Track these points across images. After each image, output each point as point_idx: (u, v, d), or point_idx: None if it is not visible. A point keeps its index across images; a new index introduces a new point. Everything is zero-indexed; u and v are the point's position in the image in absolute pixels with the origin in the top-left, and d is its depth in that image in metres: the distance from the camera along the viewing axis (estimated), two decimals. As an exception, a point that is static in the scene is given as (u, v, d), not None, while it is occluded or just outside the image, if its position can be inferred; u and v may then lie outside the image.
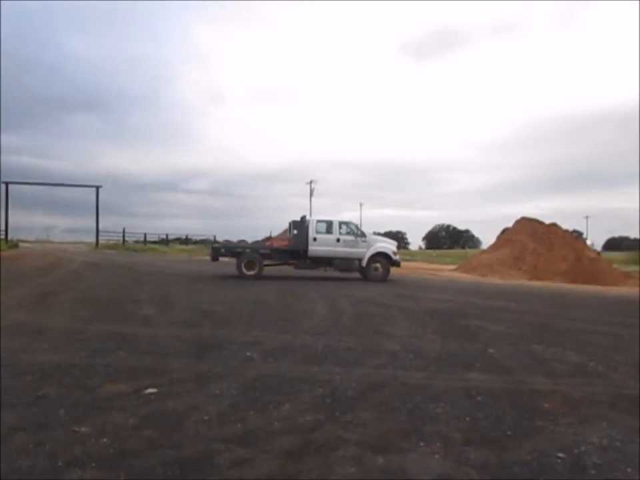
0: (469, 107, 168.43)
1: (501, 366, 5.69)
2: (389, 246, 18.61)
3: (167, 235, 55.31)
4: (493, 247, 29.65)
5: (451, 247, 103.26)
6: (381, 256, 18.08)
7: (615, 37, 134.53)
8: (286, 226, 39.27)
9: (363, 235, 18.27)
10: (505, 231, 32.60)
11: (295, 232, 18.37)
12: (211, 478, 2.79)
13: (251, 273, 17.50)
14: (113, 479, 2.74)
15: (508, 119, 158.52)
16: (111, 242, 45.23)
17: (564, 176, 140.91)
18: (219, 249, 19.04)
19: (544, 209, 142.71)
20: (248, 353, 5.80)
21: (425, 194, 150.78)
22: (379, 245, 18.30)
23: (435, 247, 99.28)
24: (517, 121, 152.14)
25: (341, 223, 18.30)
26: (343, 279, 18.15)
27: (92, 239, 43.56)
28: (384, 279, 17.89)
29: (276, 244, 20.42)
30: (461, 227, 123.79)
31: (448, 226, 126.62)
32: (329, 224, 18.26)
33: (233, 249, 19.04)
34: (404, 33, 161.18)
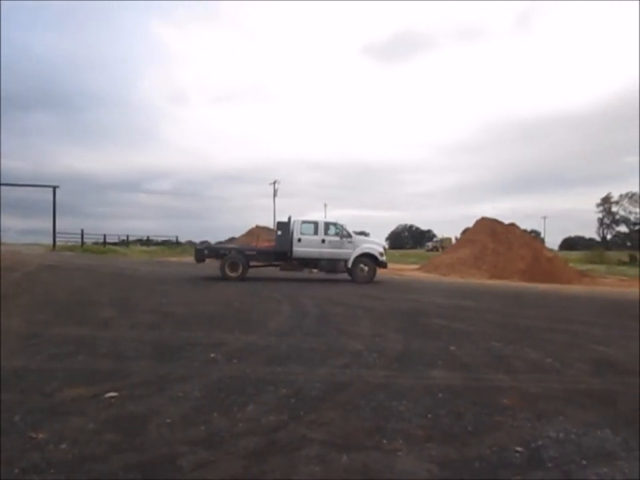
0: (431, 109, 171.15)
1: (462, 363, 5.80)
2: (376, 247, 18.28)
3: (127, 236, 54.24)
4: (454, 247, 30.20)
5: (413, 247, 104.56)
6: (367, 257, 17.85)
7: (570, 42, 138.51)
8: (250, 227, 39.32)
9: (349, 235, 17.98)
10: (465, 231, 33.22)
11: (280, 233, 18.09)
12: (173, 481, 2.76)
13: (234, 274, 17.19)
14: (72, 485, 2.68)
15: (469, 121, 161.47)
16: (69, 244, 44.09)
17: (522, 177, 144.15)
18: (202, 250, 18.59)
19: (503, 210, 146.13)
20: (212, 355, 5.75)
21: (388, 194, 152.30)
22: (365, 245, 18.03)
23: (398, 246, 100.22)
24: (477, 123, 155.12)
25: (326, 224, 18.09)
26: (323, 280, 18.18)
27: (49, 241, 42.35)
28: (370, 280, 17.65)
29: (261, 245, 19.98)
30: (424, 227, 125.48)
31: (411, 226, 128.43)
32: (315, 225, 18.01)
33: (217, 250, 18.60)
34: (367, 35, 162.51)
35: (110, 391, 4.28)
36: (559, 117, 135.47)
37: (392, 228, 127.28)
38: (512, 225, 27.88)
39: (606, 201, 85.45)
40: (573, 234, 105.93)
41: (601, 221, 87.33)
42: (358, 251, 17.78)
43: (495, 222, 28.08)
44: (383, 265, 18.16)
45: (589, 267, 35.17)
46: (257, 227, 37.62)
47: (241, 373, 5.03)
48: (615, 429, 3.80)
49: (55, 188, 41.22)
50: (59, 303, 10.11)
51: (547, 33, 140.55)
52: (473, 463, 3.11)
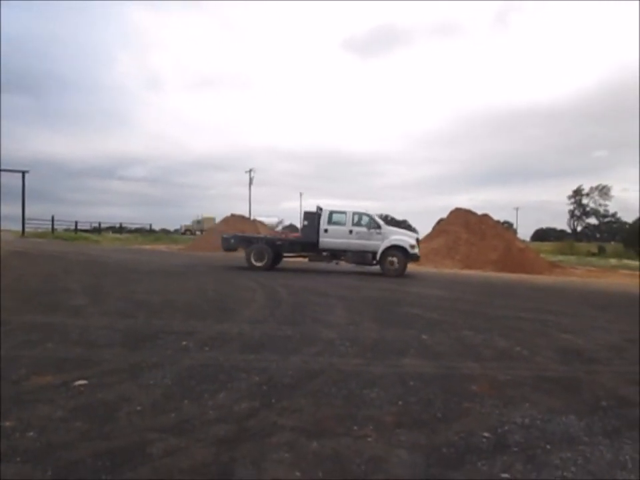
0: (407, 101, 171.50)
1: (433, 352, 5.88)
2: (406, 239, 17.17)
3: (99, 224, 53.48)
4: (429, 237, 30.49)
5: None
6: (397, 249, 16.84)
7: (544, 39, 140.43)
8: (225, 215, 38.98)
9: (378, 226, 17.18)
10: (440, 221, 33.52)
11: (306, 223, 17.63)
12: (142, 468, 2.75)
13: (260, 264, 16.95)
14: (39, 472, 2.65)
15: (445, 114, 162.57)
16: (39, 230, 43.29)
17: (496, 169, 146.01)
18: (229, 239, 18.20)
19: (477, 201, 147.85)
20: (184, 343, 5.72)
21: (364, 185, 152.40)
22: (394, 237, 17.05)
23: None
24: (453, 116, 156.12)
25: (355, 214, 17.29)
26: (312, 270, 18.14)
27: (18, 227, 41.48)
28: (400, 274, 16.70)
29: (289, 235, 19.64)
30: (399, 218, 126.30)
31: (386, 216, 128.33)
32: (342, 215, 17.37)
33: (243, 239, 18.34)
34: (347, 29, 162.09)
35: (79, 379, 4.23)
36: (532, 111, 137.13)
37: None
38: (485, 215, 28.22)
39: (577, 193, 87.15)
40: (545, 225, 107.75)
41: (571, 213, 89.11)
42: (386, 243, 16.88)
43: (468, 213, 28.40)
44: (415, 257, 17.23)
45: (560, 257, 35.93)
46: (232, 216, 37.26)
47: (213, 360, 5.02)
48: (579, 414, 3.90)
49: (24, 173, 40.44)
50: (28, 290, 9.93)
51: (521, 30, 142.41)
52: (441, 448, 3.17)
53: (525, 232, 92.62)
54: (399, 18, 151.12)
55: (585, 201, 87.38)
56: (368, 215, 17.41)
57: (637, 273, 24.87)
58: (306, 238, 17.52)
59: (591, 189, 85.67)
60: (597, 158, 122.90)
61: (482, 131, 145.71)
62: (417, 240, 17.64)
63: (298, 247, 17.79)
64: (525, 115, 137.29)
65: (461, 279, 18.24)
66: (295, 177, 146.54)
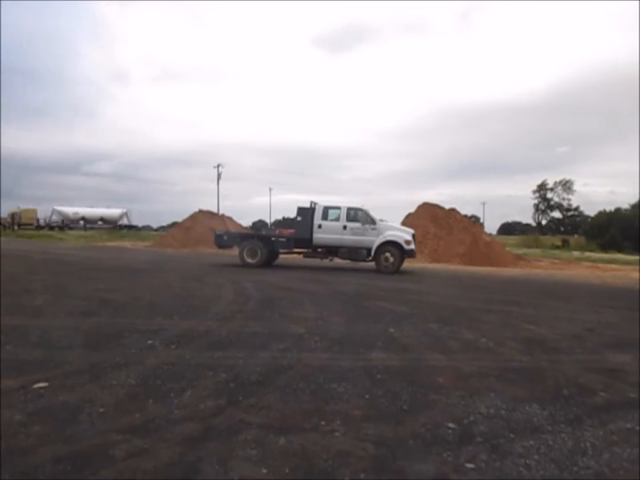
0: (376, 96, 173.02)
1: (401, 345, 5.93)
2: (401, 234, 16.90)
3: (62, 220, 52.23)
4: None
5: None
6: (392, 245, 16.50)
7: (508, 36, 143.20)
8: (193, 210, 38.52)
9: (373, 222, 16.79)
10: (408, 216, 33.79)
11: (299, 219, 17.24)
12: (104, 471, 2.69)
13: (253, 261, 16.74)
14: (-5, 479, 2.57)
15: (412, 109, 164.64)
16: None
17: (464, 164, 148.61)
18: (221, 236, 17.95)
19: (445, 196, 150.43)
20: (149, 341, 5.63)
21: (334, 180, 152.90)
22: (389, 233, 16.70)
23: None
24: (421, 112, 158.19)
25: (349, 210, 16.98)
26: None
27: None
28: (395, 270, 16.36)
29: (281, 231, 19.17)
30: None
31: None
32: (336, 210, 17.08)
33: (236, 236, 18.10)
34: (315, 25, 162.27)
35: (40, 381, 4.11)
36: (498, 107, 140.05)
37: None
38: (452, 210, 28.56)
39: (541, 187, 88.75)
40: (511, 219, 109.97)
41: (536, 207, 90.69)
42: (381, 239, 16.54)
43: (436, 207, 28.70)
44: (410, 253, 16.84)
45: (525, 250, 36.65)
46: (200, 212, 36.83)
47: (179, 358, 4.95)
48: (542, 403, 3.98)
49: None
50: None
51: (487, 28, 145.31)
52: (407, 440, 3.19)
53: (491, 226, 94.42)
54: (367, 16, 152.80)
55: (549, 195, 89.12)
56: (362, 211, 17.04)
57: (599, 264, 25.57)
58: (299, 234, 17.17)
59: (555, 183, 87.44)
60: (560, 153, 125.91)
61: (449, 127, 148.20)
62: (413, 236, 17.37)
63: (291, 244, 17.45)
64: (491, 111, 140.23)
65: (428, 272, 18.39)
66: (265, 172, 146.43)
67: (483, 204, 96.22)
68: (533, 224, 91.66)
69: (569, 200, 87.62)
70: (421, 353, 5.60)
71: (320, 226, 16.91)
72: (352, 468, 2.79)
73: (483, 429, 3.42)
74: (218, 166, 67.88)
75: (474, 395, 4.13)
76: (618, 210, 57.60)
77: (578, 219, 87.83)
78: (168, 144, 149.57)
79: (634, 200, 56.37)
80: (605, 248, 47.39)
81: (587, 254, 36.97)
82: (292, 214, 17.85)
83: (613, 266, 24.78)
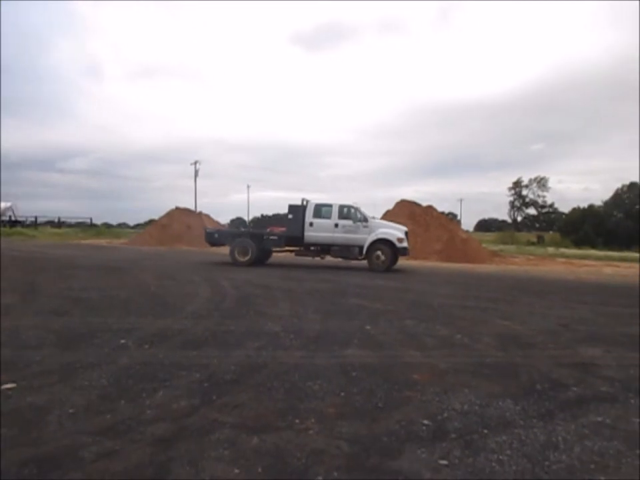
0: (354, 94, 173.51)
1: (376, 342, 5.93)
2: (394, 232, 16.67)
3: (35, 218, 51.28)
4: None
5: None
6: (383, 243, 16.36)
7: (485, 37, 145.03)
8: (170, 208, 38.12)
9: (365, 219, 16.67)
10: (386, 213, 33.93)
11: (290, 216, 16.99)
12: (73, 473, 2.62)
13: (244, 259, 16.51)
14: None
15: (391, 107, 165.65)
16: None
17: (441, 162, 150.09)
18: (212, 234, 17.75)
19: (423, 193, 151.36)
20: (122, 341, 5.54)
21: (312, 176, 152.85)
22: (381, 230, 16.55)
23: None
24: (399, 110, 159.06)
25: (341, 207, 16.81)
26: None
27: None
28: (387, 268, 16.24)
29: (273, 229, 18.91)
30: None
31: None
32: (328, 208, 16.87)
33: (227, 234, 17.86)
34: (294, 23, 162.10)
35: (7, 383, 4.01)
36: (474, 106, 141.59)
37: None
38: (429, 207, 28.77)
39: (517, 185, 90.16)
40: (487, 216, 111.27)
41: (512, 204, 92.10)
42: (373, 237, 16.40)
43: (413, 204, 28.86)
44: (402, 251, 16.66)
45: (501, 247, 37.16)
46: (177, 209, 36.47)
47: (152, 358, 4.87)
48: (515, 399, 4.01)
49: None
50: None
51: (464, 28, 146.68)
52: (381, 437, 3.19)
53: (468, 222, 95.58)
54: (346, 14, 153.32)
55: (524, 192, 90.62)
56: (354, 208, 16.87)
57: (573, 260, 26.02)
58: (290, 232, 16.96)
59: (530, 180, 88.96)
60: (535, 151, 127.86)
61: (427, 125, 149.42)
62: (406, 233, 17.14)
63: (282, 242, 17.22)
64: (468, 109, 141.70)
65: (405, 269, 18.48)
66: (243, 169, 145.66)
67: (460, 201, 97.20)
68: (509, 221, 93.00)
69: (544, 197, 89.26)
70: (397, 349, 5.61)
71: (311, 224, 16.74)
72: (325, 466, 2.78)
73: (456, 425, 3.44)
74: (195, 163, 67.30)
75: (448, 391, 4.15)
76: (591, 207, 58.65)
77: (553, 216, 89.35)
78: (144, 140, 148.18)
79: (607, 197, 57.36)
80: (578, 244, 48.34)
81: (562, 250, 37.69)
82: (270, 211, 17.97)
83: (587, 262, 25.27)
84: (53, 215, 59.70)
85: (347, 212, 16.77)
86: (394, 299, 9.79)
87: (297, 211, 16.98)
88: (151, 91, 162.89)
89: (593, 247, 45.14)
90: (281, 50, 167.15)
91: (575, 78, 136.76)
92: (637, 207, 54.51)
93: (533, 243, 52.57)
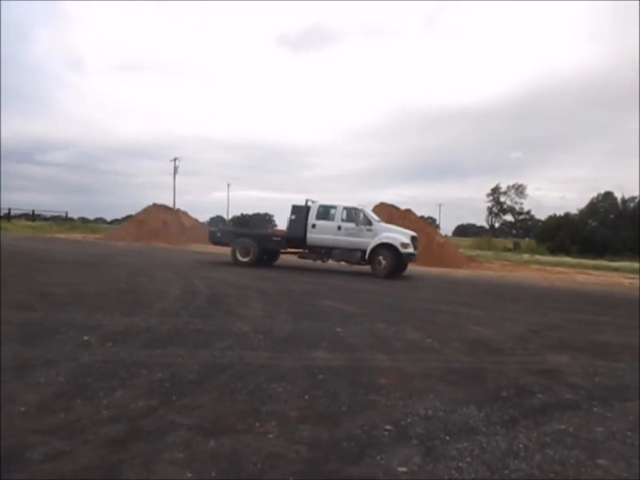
0: (339, 96, 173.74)
1: (346, 344, 5.88)
2: (398, 236, 15.51)
3: (9, 210, 50.31)
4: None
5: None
6: (387, 248, 15.24)
7: (468, 43, 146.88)
8: (148, 204, 37.66)
9: (369, 222, 15.68)
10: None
11: (293, 217, 16.35)
12: (18, 475, 2.52)
13: (245, 259, 16.16)
14: None
15: (375, 109, 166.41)
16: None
17: (422, 166, 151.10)
18: (215, 233, 17.38)
19: (403, 196, 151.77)
20: (85, 337, 5.40)
21: (295, 176, 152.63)
22: (384, 234, 15.45)
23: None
24: (383, 112, 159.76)
25: (345, 209, 15.96)
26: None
27: None
28: (388, 275, 15.13)
29: (275, 230, 18.35)
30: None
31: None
32: (332, 209, 16.10)
33: (229, 233, 17.38)
34: (280, 23, 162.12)
35: (-42, 378, 3.87)
36: (456, 111, 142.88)
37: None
38: (408, 210, 28.86)
39: (495, 191, 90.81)
40: (465, 221, 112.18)
41: (490, 210, 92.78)
42: (376, 241, 15.33)
43: (392, 207, 28.91)
44: (407, 257, 15.56)
45: (478, 252, 37.42)
46: (154, 205, 36.03)
47: (115, 356, 4.75)
48: (480, 405, 3.99)
49: None
50: None
51: (449, 34, 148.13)
52: (342, 442, 3.13)
53: (447, 227, 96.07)
54: (332, 18, 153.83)
55: (502, 198, 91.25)
56: (358, 210, 15.95)
57: (547, 267, 26.35)
58: (292, 233, 16.33)
59: (508, 187, 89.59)
60: (514, 158, 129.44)
61: (410, 128, 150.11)
62: (413, 238, 15.88)
63: (283, 243, 16.63)
64: (449, 115, 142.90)
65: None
66: (225, 167, 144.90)
67: (439, 205, 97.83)
68: (487, 226, 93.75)
69: (521, 204, 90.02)
70: (366, 352, 5.57)
71: (314, 225, 16.05)
72: (281, 471, 2.71)
73: (419, 430, 3.39)
74: (174, 159, 66.64)
75: (414, 396, 4.11)
76: (567, 215, 59.49)
77: (529, 223, 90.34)
78: (126, 135, 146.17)
79: (583, 205, 58.29)
80: (553, 251, 48.96)
81: (537, 257, 38.09)
82: (251, 210, 17.66)
83: (560, 269, 25.59)
84: (28, 208, 58.69)
85: (350, 214, 15.92)
86: (368, 301, 9.77)
87: (300, 211, 16.33)
88: (134, 86, 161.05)
89: (568, 254, 45.75)
90: (267, 50, 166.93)
91: (553, 87, 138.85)
92: (612, 216, 55.38)
93: (509, 249, 53.06)
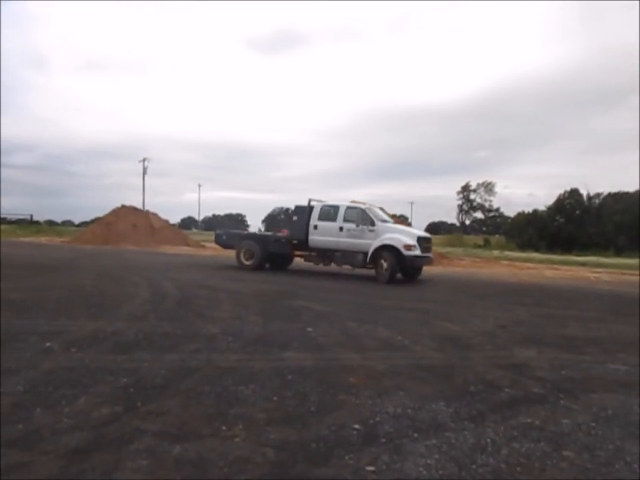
0: (308, 96, 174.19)
1: (316, 344, 5.85)
2: (401, 237, 14.02)
3: (-32, 214, 48.97)
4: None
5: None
6: (388, 250, 13.88)
7: (436, 45, 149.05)
8: (117, 205, 37.01)
9: (371, 223, 14.36)
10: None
11: (295, 218, 15.66)
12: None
13: (249, 263, 15.75)
14: None
15: (344, 109, 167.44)
16: None
17: (393, 164, 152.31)
18: (221, 235, 17.01)
19: (375, 195, 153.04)
20: (48, 344, 5.25)
21: (265, 176, 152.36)
22: (387, 236, 14.07)
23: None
24: (351, 112, 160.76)
25: (348, 209, 14.91)
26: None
27: None
28: (390, 280, 13.76)
29: (279, 232, 17.52)
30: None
31: (287, 209, 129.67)
32: (334, 209, 15.08)
33: (234, 236, 16.95)
34: (250, 25, 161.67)
35: None
36: (426, 111, 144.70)
37: (268, 211, 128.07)
38: (379, 208, 28.99)
39: (465, 189, 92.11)
40: (437, 219, 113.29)
41: (460, 208, 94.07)
42: (377, 243, 14.03)
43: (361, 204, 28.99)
44: (412, 260, 13.98)
45: (449, 249, 37.89)
46: (123, 207, 35.44)
47: (78, 362, 4.63)
48: (448, 401, 4.01)
49: None
50: None
51: (416, 38, 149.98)
52: (310, 444, 3.09)
53: (419, 225, 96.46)
54: (301, 20, 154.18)
55: (472, 196, 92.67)
56: (361, 209, 14.83)
57: (516, 263, 26.78)
58: (294, 235, 15.62)
59: (478, 185, 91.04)
60: (482, 156, 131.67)
61: (380, 128, 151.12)
62: (421, 239, 14.40)
63: (286, 245, 15.91)
64: (418, 115, 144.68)
65: (352, 270, 18.50)
66: (196, 168, 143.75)
67: (411, 204, 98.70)
68: (458, 224, 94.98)
69: (491, 201, 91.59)
70: (336, 352, 5.55)
71: (316, 227, 15.14)
72: (248, 475, 2.66)
73: (387, 429, 3.38)
74: (143, 160, 65.85)
75: (383, 395, 4.10)
76: (535, 211, 60.58)
77: (499, 220, 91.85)
78: (93, 136, 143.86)
79: (550, 202, 59.43)
80: (522, 247, 49.89)
81: (506, 253, 38.76)
82: (223, 211, 17.51)
83: (529, 264, 26.03)
84: (-10, 213, 57.05)
85: (352, 214, 14.80)
86: (339, 300, 9.76)
87: (303, 212, 15.50)
88: (100, 86, 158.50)
89: (537, 250, 46.61)
90: (237, 51, 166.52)
91: (520, 88, 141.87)
92: (578, 212, 56.59)
93: (479, 246, 53.92)
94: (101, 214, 38.22)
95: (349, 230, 14.56)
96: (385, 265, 13.84)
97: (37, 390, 3.86)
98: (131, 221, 33.13)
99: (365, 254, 14.22)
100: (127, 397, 3.80)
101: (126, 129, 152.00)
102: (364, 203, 15.56)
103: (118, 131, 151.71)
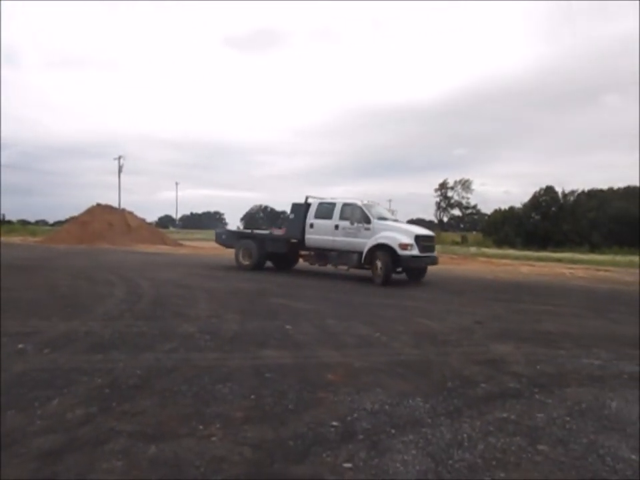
0: (287, 95, 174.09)
1: (295, 341, 5.85)
2: (397, 236, 13.05)
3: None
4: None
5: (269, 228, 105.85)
6: (383, 249, 13.00)
7: (415, 45, 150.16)
8: (92, 204, 36.47)
9: (367, 220, 13.54)
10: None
11: (292, 216, 15.16)
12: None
13: (248, 262, 15.41)
14: None
15: (323, 108, 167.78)
16: None
17: (372, 162, 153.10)
18: (221, 234, 16.76)
19: (353, 192, 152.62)
20: (20, 345, 5.15)
21: (244, 174, 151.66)
22: (382, 234, 13.19)
23: (254, 227, 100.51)
24: (330, 111, 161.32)
25: (344, 206, 14.17)
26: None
27: None
28: (385, 281, 12.87)
29: (278, 231, 16.58)
30: (278, 209, 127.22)
31: (266, 207, 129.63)
32: (331, 206, 14.41)
33: (233, 235, 16.54)
34: (226, 24, 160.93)
35: None
36: (403, 109, 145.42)
37: (247, 209, 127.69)
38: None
39: (442, 186, 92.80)
40: (415, 216, 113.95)
41: (438, 205, 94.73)
42: (372, 242, 13.20)
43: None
44: (408, 260, 13.01)
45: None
46: (98, 206, 34.94)
47: (51, 364, 4.55)
48: (425, 397, 4.03)
49: None
50: None
51: (394, 37, 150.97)
52: (287, 442, 3.08)
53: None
54: (280, 19, 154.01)
55: (449, 193, 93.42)
56: (356, 206, 14.04)
57: (493, 259, 27.09)
58: (290, 234, 15.06)
59: (455, 182, 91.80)
60: (459, 154, 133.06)
61: (358, 126, 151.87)
62: (419, 237, 13.41)
63: (282, 245, 15.27)
64: (396, 113, 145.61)
65: (329, 268, 18.44)
66: (173, 166, 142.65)
67: (389, 201, 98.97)
68: (435, 221, 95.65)
69: (468, 198, 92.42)
70: (315, 349, 5.55)
71: (312, 225, 14.52)
72: (224, 474, 2.65)
73: (365, 425, 3.39)
74: (119, 158, 64.89)
75: (361, 391, 4.11)
76: (512, 209, 61.34)
77: (476, 217, 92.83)
78: (67, 134, 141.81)
79: (526, 199, 60.23)
80: (499, 244, 50.45)
81: (483, 250, 39.19)
82: (201, 209, 17.37)
83: (505, 261, 26.32)
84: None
85: (348, 211, 14.06)
86: (318, 297, 9.77)
87: (299, 210, 14.93)
88: (75, 83, 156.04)
89: (513, 246, 47.20)
90: (215, 50, 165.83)
91: (496, 87, 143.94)
92: (553, 209, 57.42)
93: (457, 243, 54.42)
94: (75, 213, 37.68)
95: (344, 228, 13.92)
96: (379, 264, 13.08)
97: (9, 392, 3.78)
98: (107, 219, 32.70)
99: (360, 254, 13.47)
100: (101, 397, 3.75)
101: (101, 126, 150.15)
102: (361, 200, 14.67)
103: (93, 129, 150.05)
